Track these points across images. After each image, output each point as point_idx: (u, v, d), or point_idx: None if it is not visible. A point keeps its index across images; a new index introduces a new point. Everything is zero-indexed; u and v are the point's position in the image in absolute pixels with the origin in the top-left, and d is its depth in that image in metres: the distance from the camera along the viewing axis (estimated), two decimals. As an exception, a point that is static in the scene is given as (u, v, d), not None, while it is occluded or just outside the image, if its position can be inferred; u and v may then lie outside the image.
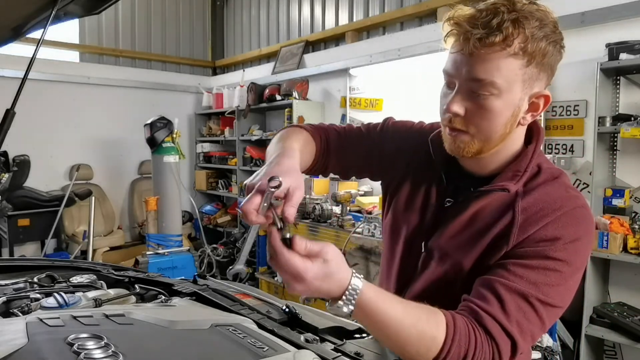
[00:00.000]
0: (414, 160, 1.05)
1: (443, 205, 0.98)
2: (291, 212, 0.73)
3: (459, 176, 0.98)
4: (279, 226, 0.72)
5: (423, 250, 0.98)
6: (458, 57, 0.83)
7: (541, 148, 0.96)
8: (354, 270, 0.74)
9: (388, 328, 0.75)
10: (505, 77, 0.81)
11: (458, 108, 0.85)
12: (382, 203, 1.16)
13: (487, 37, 0.78)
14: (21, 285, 1.26)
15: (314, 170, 1.12)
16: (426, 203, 1.00)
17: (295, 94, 4.57)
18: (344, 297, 0.72)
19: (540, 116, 1.00)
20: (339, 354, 0.91)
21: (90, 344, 0.79)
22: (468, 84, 0.83)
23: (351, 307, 0.72)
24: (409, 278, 1.02)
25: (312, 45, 5.10)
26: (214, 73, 6.69)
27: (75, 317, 0.92)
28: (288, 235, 0.71)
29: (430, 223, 0.98)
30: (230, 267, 0.79)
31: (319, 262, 0.70)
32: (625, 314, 2.57)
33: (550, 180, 0.90)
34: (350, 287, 0.72)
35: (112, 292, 1.23)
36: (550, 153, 3.04)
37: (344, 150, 1.11)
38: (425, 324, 0.75)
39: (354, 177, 1.23)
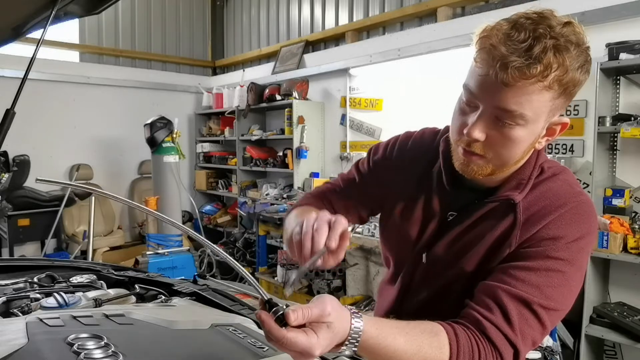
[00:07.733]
0: (413, 173, 1.03)
1: (446, 218, 0.96)
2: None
3: (462, 188, 0.96)
4: (266, 298, 0.67)
5: (424, 261, 0.98)
6: (489, 81, 0.77)
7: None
8: (351, 309, 0.70)
9: None
10: (535, 109, 0.78)
11: (480, 134, 0.81)
12: (381, 214, 1.13)
13: (527, 67, 0.73)
14: (21, 285, 1.26)
15: None
16: (428, 214, 0.98)
17: (295, 94, 4.57)
18: (346, 343, 0.69)
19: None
20: (339, 354, 0.90)
21: (90, 344, 0.79)
22: (495, 111, 0.79)
23: (354, 349, 0.70)
24: (411, 289, 1.02)
25: (312, 45, 5.09)
26: (214, 73, 6.68)
27: (75, 317, 0.92)
28: (280, 311, 0.65)
29: (432, 235, 0.97)
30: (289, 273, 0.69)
31: (324, 330, 0.65)
32: (625, 313, 2.57)
33: (551, 177, 0.89)
34: (352, 331, 0.68)
35: (112, 292, 1.23)
36: (550, 153, 3.04)
37: (350, 205, 1.12)
38: (428, 349, 0.74)
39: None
